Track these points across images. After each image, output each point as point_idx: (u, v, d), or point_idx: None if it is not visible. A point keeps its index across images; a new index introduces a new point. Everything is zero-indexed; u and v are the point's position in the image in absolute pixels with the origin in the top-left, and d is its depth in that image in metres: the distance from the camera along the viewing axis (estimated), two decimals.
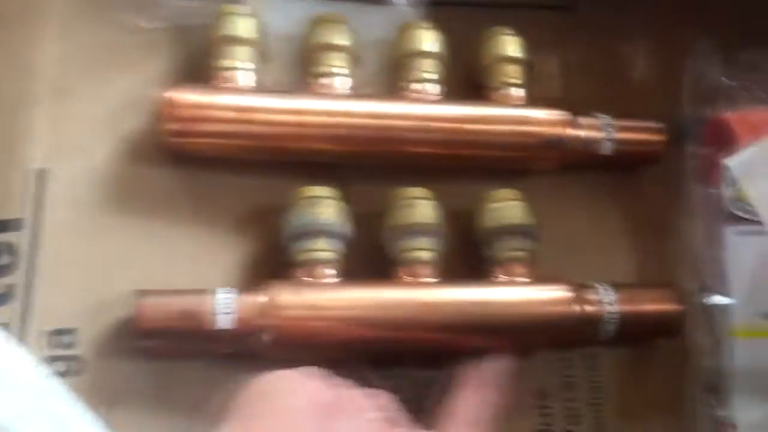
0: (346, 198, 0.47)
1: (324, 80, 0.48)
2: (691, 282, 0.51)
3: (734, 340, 0.48)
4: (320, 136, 0.46)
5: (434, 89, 0.49)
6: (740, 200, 0.50)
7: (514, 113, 0.50)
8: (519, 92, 0.51)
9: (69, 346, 0.43)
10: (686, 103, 0.53)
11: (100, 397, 0.42)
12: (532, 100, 0.51)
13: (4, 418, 0.29)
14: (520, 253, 0.47)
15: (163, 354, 0.43)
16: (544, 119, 0.50)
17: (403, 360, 0.47)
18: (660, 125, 0.53)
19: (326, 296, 0.44)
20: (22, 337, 0.43)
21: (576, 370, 0.49)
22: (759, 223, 0.49)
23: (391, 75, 0.51)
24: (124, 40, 0.49)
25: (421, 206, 0.46)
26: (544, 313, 0.46)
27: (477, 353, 0.47)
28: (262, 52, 0.48)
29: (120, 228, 0.46)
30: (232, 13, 0.47)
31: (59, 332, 0.43)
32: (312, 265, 0.44)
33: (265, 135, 0.45)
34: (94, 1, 0.49)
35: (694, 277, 0.51)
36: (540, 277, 0.48)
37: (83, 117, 0.47)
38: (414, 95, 0.49)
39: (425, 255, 0.46)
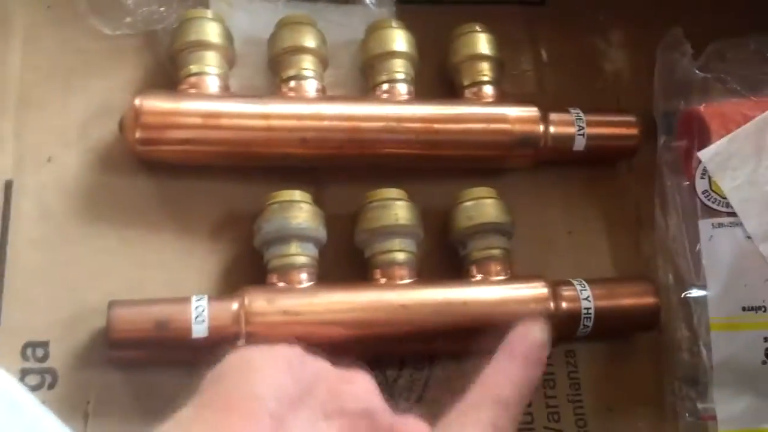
0: (320, 201, 0.46)
1: (293, 83, 0.47)
2: (668, 275, 0.51)
3: (712, 333, 0.48)
4: (290, 140, 0.46)
5: (405, 89, 0.49)
6: (714, 193, 0.50)
7: (486, 111, 0.50)
8: (491, 90, 0.50)
9: (41, 359, 0.43)
10: (658, 96, 0.53)
11: (75, 409, 0.42)
12: (505, 98, 0.51)
13: None
14: (495, 252, 0.47)
15: (137, 364, 0.43)
16: (517, 117, 0.49)
17: (381, 362, 0.47)
18: (634, 119, 0.53)
19: (301, 301, 0.43)
20: None
21: (554, 367, 0.49)
22: (734, 215, 0.49)
23: (362, 76, 0.51)
24: (90, 48, 0.48)
25: (395, 207, 0.46)
26: (522, 311, 0.46)
27: (454, 353, 0.48)
28: (229, 57, 0.48)
29: (91, 238, 0.45)
30: (198, 18, 0.47)
31: (31, 345, 0.43)
32: (286, 270, 0.44)
33: (233, 140, 0.45)
34: (59, 9, 0.48)
35: (670, 271, 0.51)
36: (516, 275, 0.48)
37: (50, 127, 0.46)
38: (384, 96, 0.49)
39: (401, 256, 0.46)
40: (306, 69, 0.48)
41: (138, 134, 0.44)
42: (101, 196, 0.46)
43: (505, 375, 0.37)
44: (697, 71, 0.53)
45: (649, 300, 0.49)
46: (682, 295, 0.50)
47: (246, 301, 0.42)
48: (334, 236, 0.46)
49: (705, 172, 0.50)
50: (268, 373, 0.34)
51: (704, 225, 0.50)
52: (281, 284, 0.44)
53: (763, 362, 0.48)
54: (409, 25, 0.51)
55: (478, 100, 0.50)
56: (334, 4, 0.52)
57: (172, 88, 0.46)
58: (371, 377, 0.37)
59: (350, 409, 0.34)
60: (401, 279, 0.45)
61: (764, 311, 0.48)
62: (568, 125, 0.51)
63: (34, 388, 0.42)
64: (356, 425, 0.34)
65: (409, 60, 0.50)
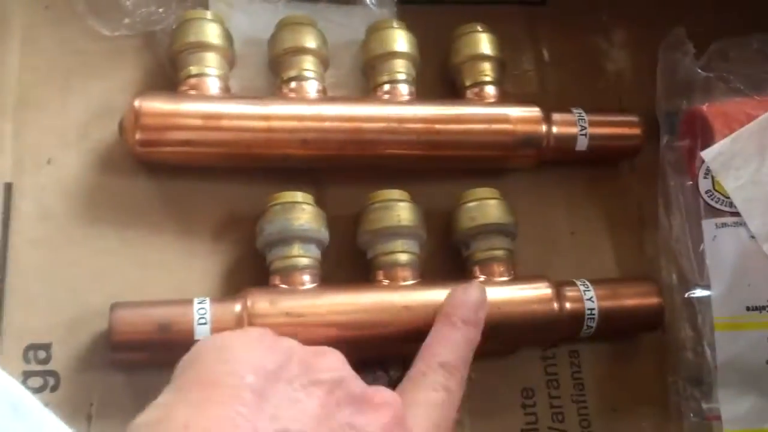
0: (322, 202, 0.46)
1: (294, 84, 0.47)
2: (672, 276, 0.51)
3: (716, 332, 0.48)
4: (291, 141, 0.45)
5: (406, 90, 0.49)
6: (718, 192, 0.49)
7: (487, 112, 0.49)
8: (492, 90, 0.50)
9: (44, 361, 0.42)
10: (661, 96, 0.53)
11: (78, 411, 0.42)
12: (506, 98, 0.51)
13: None
14: (498, 252, 0.47)
15: (140, 366, 0.43)
16: (519, 117, 0.49)
17: (384, 362, 0.47)
18: (636, 118, 0.53)
19: (303, 303, 0.43)
20: None
21: (559, 367, 0.49)
22: (737, 215, 0.49)
23: (363, 76, 0.51)
24: (89, 49, 0.48)
25: (398, 208, 0.46)
26: (525, 311, 0.46)
27: None
28: (229, 58, 0.47)
29: (92, 240, 0.45)
30: (197, 19, 0.46)
31: (34, 348, 0.42)
32: (288, 271, 0.44)
33: (234, 142, 0.45)
34: (57, 10, 0.48)
35: (674, 271, 0.51)
36: (519, 276, 0.47)
37: (49, 128, 0.46)
38: (386, 96, 0.49)
39: (403, 257, 0.46)
40: (307, 70, 0.47)
41: (138, 136, 0.43)
42: (102, 198, 0.46)
43: (447, 340, 0.41)
44: (699, 71, 0.53)
45: (652, 300, 0.49)
46: (686, 295, 0.50)
47: (248, 303, 0.42)
48: (337, 237, 0.46)
49: (708, 171, 0.50)
50: (242, 351, 0.35)
51: (708, 225, 0.50)
52: (284, 286, 0.44)
53: None
54: (410, 26, 0.50)
55: (479, 100, 0.50)
56: (334, 5, 0.52)
57: (172, 90, 0.46)
58: (340, 353, 0.38)
59: (325, 379, 0.35)
60: (404, 280, 0.45)
61: None
62: (571, 125, 0.50)
63: (36, 391, 0.41)
64: (332, 393, 0.34)
65: (410, 60, 0.50)
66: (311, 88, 0.47)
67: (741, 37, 0.53)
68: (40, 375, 0.42)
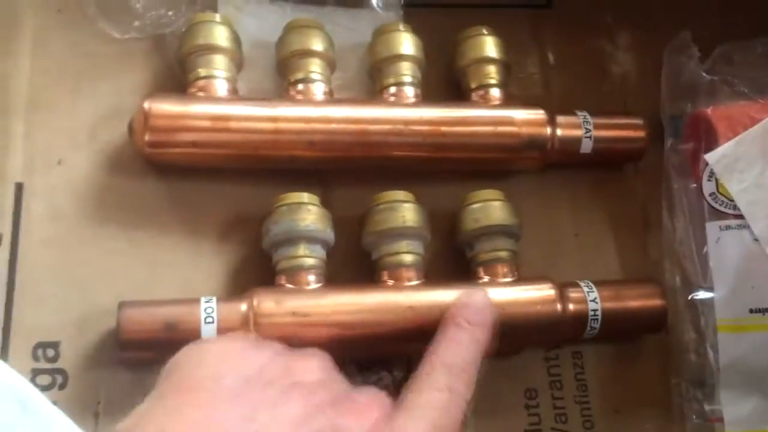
0: (328, 203, 0.47)
1: (301, 86, 0.48)
2: (675, 278, 0.51)
3: (719, 334, 0.48)
4: (298, 142, 0.46)
5: (412, 92, 0.49)
6: (721, 195, 0.50)
7: (492, 114, 0.50)
8: (497, 92, 0.51)
9: (53, 359, 0.43)
10: (665, 99, 0.54)
11: (86, 409, 0.42)
12: (511, 100, 0.51)
13: None
14: (502, 254, 0.47)
15: (147, 364, 0.42)
16: (524, 119, 0.50)
17: (388, 363, 0.47)
18: (641, 121, 0.53)
19: (309, 303, 0.43)
20: (4, 351, 0.42)
21: (562, 368, 0.49)
22: (741, 217, 0.49)
23: (369, 79, 0.51)
24: (99, 52, 0.49)
25: (403, 209, 0.46)
26: (529, 312, 0.46)
27: None
28: (237, 60, 0.48)
29: (101, 240, 0.45)
30: (206, 22, 0.47)
31: (42, 346, 0.43)
32: (294, 271, 0.44)
33: (241, 143, 0.45)
34: (68, 13, 0.49)
35: (677, 273, 0.51)
36: (523, 277, 0.48)
37: (60, 129, 0.47)
38: (392, 99, 0.49)
39: (408, 258, 0.46)
40: (314, 72, 0.48)
41: (147, 137, 0.44)
42: (111, 198, 0.46)
43: (451, 341, 0.40)
44: (704, 74, 0.53)
45: (656, 302, 0.49)
46: (689, 297, 0.50)
47: (255, 303, 0.42)
48: (342, 238, 0.47)
49: (712, 174, 0.50)
50: (220, 356, 0.35)
51: (711, 227, 0.50)
52: (289, 286, 0.44)
53: None
54: (416, 29, 0.51)
55: (484, 103, 0.50)
56: (341, 8, 0.52)
57: (181, 92, 0.46)
58: (327, 356, 0.38)
59: (306, 382, 0.35)
60: (408, 281, 0.46)
61: None
62: (575, 128, 0.51)
63: (45, 389, 0.42)
64: (313, 395, 0.34)
65: (416, 63, 0.50)
66: (318, 90, 0.48)
67: (746, 41, 0.53)
68: (49, 373, 0.43)
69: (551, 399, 0.49)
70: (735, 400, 0.48)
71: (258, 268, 0.46)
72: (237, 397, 0.33)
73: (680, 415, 0.49)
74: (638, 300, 0.49)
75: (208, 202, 0.48)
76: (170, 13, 0.48)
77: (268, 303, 0.43)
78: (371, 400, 0.35)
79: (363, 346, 0.44)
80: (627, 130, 0.53)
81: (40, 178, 0.46)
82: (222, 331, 0.41)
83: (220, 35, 0.47)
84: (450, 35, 0.53)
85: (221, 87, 0.46)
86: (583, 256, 0.52)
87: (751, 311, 0.48)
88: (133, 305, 0.42)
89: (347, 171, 0.49)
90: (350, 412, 0.34)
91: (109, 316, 0.42)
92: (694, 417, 0.49)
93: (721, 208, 0.50)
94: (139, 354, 0.42)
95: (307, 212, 0.44)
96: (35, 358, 0.43)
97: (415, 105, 0.49)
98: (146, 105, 0.44)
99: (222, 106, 0.45)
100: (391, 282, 0.46)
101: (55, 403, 0.33)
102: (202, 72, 0.46)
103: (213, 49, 0.46)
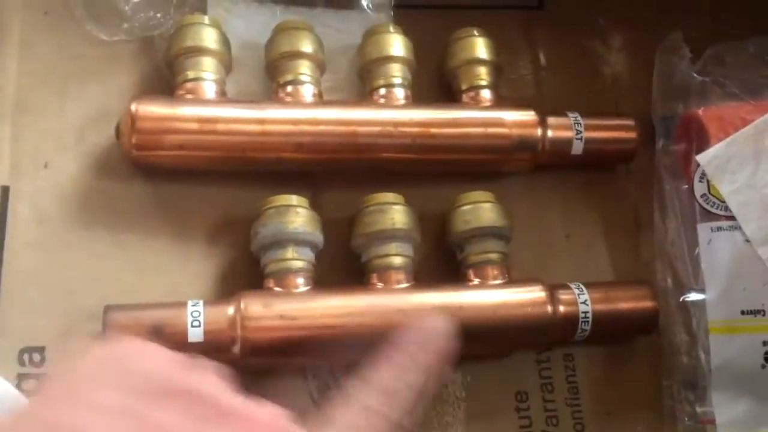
0: (317, 205, 0.46)
1: (290, 88, 0.47)
2: (667, 279, 0.51)
3: (711, 336, 0.48)
4: (286, 144, 0.46)
5: (402, 94, 0.49)
6: (713, 196, 0.50)
7: (483, 116, 0.49)
8: (488, 94, 0.50)
9: (38, 364, 0.43)
10: (657, 100, 0.53)
11: None
12: (502, 102, 0.51)
13: None
14: (493, 256, 0.47)
15: None
16: (515, 121, 0.49)
17: None
18: (632, 122, 0.53)
19: (297, 306, 0.43)
20: None
21: (553, 370, 0.49)
22: (732, 218, 0.49)
23: (359, 81, 0.51)
24: (87, 54, 0.48)
25: (392, 211, 0.46)
26: (519, 315, 0.46)
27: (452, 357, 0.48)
28: (226, 62, 0.48)
29: (87, 243, 0.45)
30: (194, 24, 0.47)
31: (28, 350, 0.43)
32: (282, 274, 0.44)
33: (229, 145, 0.45)
34: (56, 15, 0.49)
35: (669, 275, 0.51)
36: (514, 279, 0.47)
37: (47, 132, 0.47)
38: (381, 100, 0.49)
39: (397, 260, 0.46)
40: (303, 74, 0.48)
41: (134, 139, 0.44)
42: (98, 201, 0.46)
43: (393, 364, 0.37)
44: (695, 75, 0.53)
45: (647, 304, 0.49)
46: (681, 299, 0.50)
47: (242, 306, 0.42)
48: (331, 241, 0.46)
49: (703, 175, 0.50)
50: (85, 382, 0.32)
51: (703, 229, 0.50)
52: (278, 289, 0.44)
53: (762, 366, 0.48)
54: (406, 30, 0.51)
55: (475, 104, 0.50)
56: (331, 9, 0.52)
57: (169, 94, 0.46)
58: (219, 370, 0.35)
59: (183, 393, 0.32)
60: (398, 283, 0.45)
61: (763, 315, 0.48)
62: (567, 129, 0.50)
63: (31, 393, 0.41)
64: (190, 409, 0.32)
65: (406, 64, 0.50)
66: (307, 92, 0.47)
67: (737, 42, 0.53)
68: (35, 377, 0.42)
69: (542, 402, 0.49)
70: (727, 402, 0.48)
71: (246, 272, 0.46)
72: (110, 406, 0.30)
73: (672, 418, 0.49)
74: (629, 302, 0.48)
75: (195, 205, 0.47)
76: (158, 15, 0.48)
77: (255, 306, 0.42)
78: (262, 415, 0.32)
79: (352, 349, 0.44)
80: (618, 131, 0.52)
81: (27, 181, 0.45)
82: (209, 334, 0.41)
83: (209, 37, 0.46)
84: (441, 36, 0.53)
85: (209, 89, 0.46)
86: (575, 257, 0.52)
87: (742, 313, 0.48)
88: (119, 309, 0.42)
89: (336, 173, 0.49)
90: (234, 426, 0.32)
91: (96, 321, 0.41)
92: (686, 419, 0.49)
93: (713, 210, 0.49)
94: None
95: (296, 215, 0.44)
96: (21, 362, 0.43)
97: (404, 106, 0.49)
98: (133, 107, 0.44)
99: (210, 108, 0.45)
100: (380, 285, 0.45)
101: None
102: (190, 74, 0.46)
103: (201, 51, 0.46)
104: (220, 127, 0.45)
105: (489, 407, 0.48)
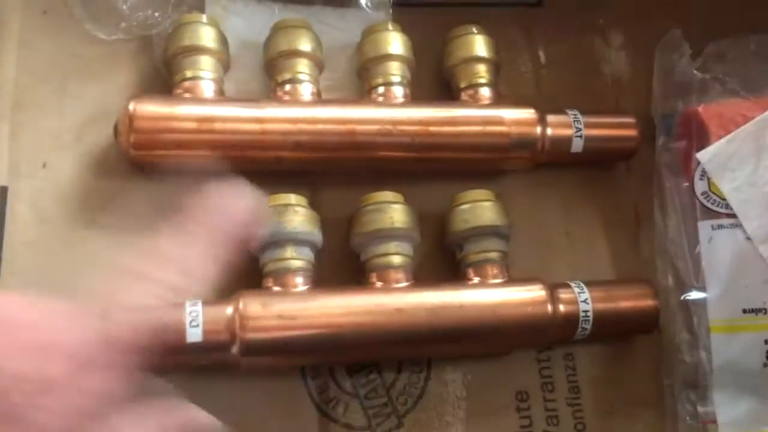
0: (316, 204, 0.46)
1: (288, 87, 0.47)
2: (667, 277, 0.50)
3: (712, 335, 0.48)
4: (284, 143, 0.46)
5: (401, 92, 0.49)
6: (713, 194, 0.49)
7: (482, 114, 0.49)
8: (487, 92, 0.50)
9: None
10: (657, 97, 0.53)
11: None
12: (501, 100, 0.51)
13: None
14: (492, 254, 0.47)
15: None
16: (514, 119, 0.49)
17: (379, 365, 0.47)
18: (632, 120, 0.52)
19: (296, 306, 0.43)
20: None
21: (553, 369, 0.49)
22: (733, 216, 0.49)
23: (358, 79, 0.51)
24: (85, 53, 0.48)
25: (391, 210, 0.46)
26: (519, 314, 0.46)
27: (452, 356, 0.48)
28: (224, 61, 0.48)
29: (86, 242, 0.45)
30: (193, 23, 0.47)
31: None
32: (281, 274, 0.44)
33: (227, 144, 0.45)
34: (54, 14, 0.48)
35: (670, 273, 0.50)
36: (514, 278, 0.47)
37: (45, 131, 0.47)
38: (380, 99, 0.49)
39: (396, 259, 0.46)
40: (301, 72, 0.47)
41: (132, 139, 0.43)
42: (96, 201, 0.46)
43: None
44: (696, 72, 0.52)
45: (648, 302, 0.48)
46: (682, 298, 0.49)
47: (240, 306, 0.42)
48: (330, 240, 0.46)
49: (704, 173, 0.50)
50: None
51: (703, 226, 0.49)
52: (276, 288, 0.44)
53: (764, 365, 0.48)
54: (405, 28, 0.50)
55: (474, 102, 0.50)
56: (330, 7, 0.52)
57: (167, 93, 0.46)
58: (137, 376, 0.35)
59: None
60: (397, 282, 0.45)
61: (764, 313, 0.48)
62: (566, 127, 0.50)
63: None
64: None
65: (405, 63, 0.50)
66: (306, 90, 0.47)
67: (737, 39, 0.53)
68: None
69: (543, 401, 0.48)
70: (728, 401, 0.48)
71: (245, 271, 0.46)
72: None
73: (673, 417, 0.49)
74: (630, 300, 0.48)
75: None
76: (157, 14, 0.48)
77: (254, 306, 0.42)
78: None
79: (351, 348, 0.44)
80: (618, 128, 0.52)
81: (26, 180, 0.45)
82: (207, 334, 0.41)
83: (207, 36, 0.46)
84: (440, 34, 0.52)
85: (207, 88, 0.46)
86: (575, 256, 0.52)
87: (744, 311, 0.48)
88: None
89: (335, 172, 0.49)
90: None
91: None
92: (687, 418, 0.49)
93: (714, 207, 0.49)
94: None
95: (295, 214, 0.44)
96: None
97: (403, 105, 0.48)
98: (131, 106, 0.44)
99: (208, 107, 0.45)
100: (379, 284, 0.45)
101: None
102: (188, 73, 0.46)
103: (199, 50, 0.46)
104: (219, 126, 0.45)
105: (489, 407, 0.48)
